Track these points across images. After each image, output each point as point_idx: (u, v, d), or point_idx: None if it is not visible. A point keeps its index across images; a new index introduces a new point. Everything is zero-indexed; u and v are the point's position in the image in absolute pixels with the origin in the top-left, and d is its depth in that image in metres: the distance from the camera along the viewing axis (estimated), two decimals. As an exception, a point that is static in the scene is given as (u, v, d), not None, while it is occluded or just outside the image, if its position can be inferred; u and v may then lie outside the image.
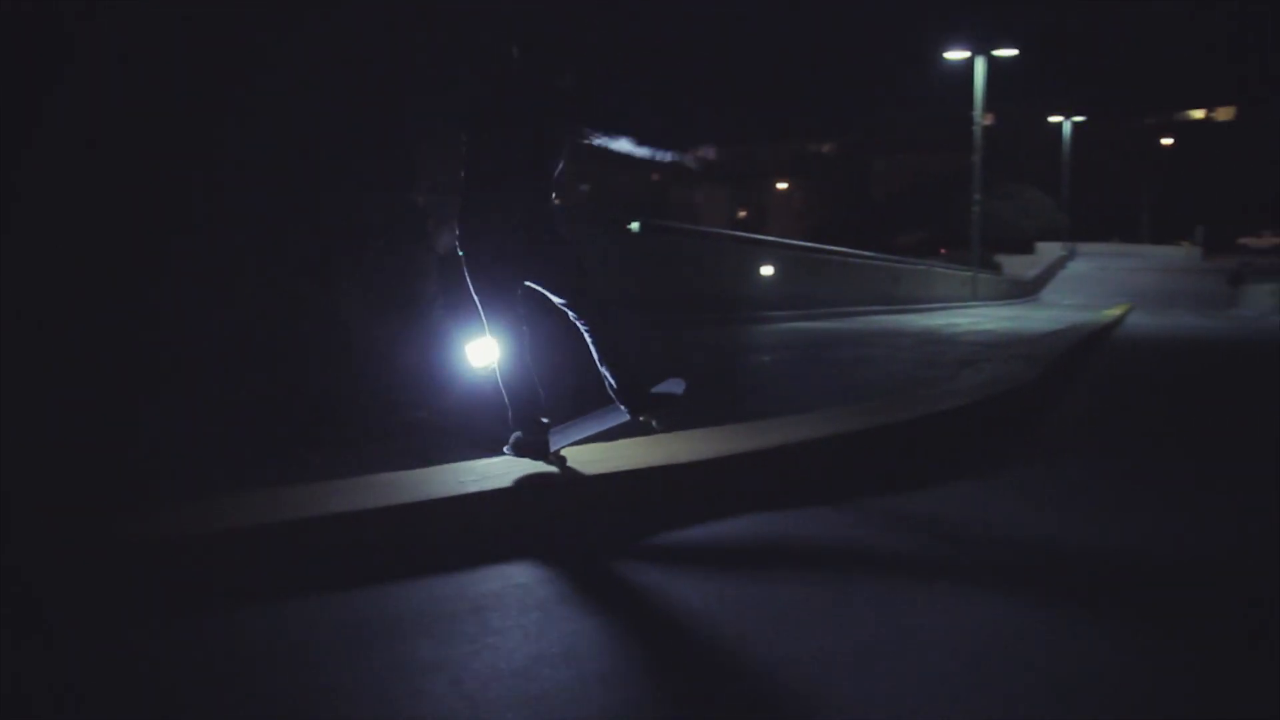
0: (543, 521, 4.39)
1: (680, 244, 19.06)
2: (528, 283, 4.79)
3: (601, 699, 2.76)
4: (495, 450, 4.87)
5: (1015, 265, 62.17)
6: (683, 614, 3.45)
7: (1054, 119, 79.02)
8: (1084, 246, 77.58)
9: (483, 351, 5.30)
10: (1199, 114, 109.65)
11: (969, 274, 39.43)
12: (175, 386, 5.80)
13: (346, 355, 6.29)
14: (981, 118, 41.55)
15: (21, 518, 3.88)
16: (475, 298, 4.78)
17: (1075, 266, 68.76)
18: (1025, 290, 50.70)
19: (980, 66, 40.20)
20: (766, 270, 20.05)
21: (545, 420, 4.79)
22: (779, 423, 5.70)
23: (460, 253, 4.74)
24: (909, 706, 2.70)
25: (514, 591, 3.58)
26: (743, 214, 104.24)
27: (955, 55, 41.77)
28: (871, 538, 4.45)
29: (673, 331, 13.55)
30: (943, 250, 61.84)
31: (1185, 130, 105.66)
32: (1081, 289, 53.46)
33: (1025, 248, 72.33)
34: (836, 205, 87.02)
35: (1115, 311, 25.91)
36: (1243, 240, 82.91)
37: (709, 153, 4.94)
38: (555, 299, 4.87)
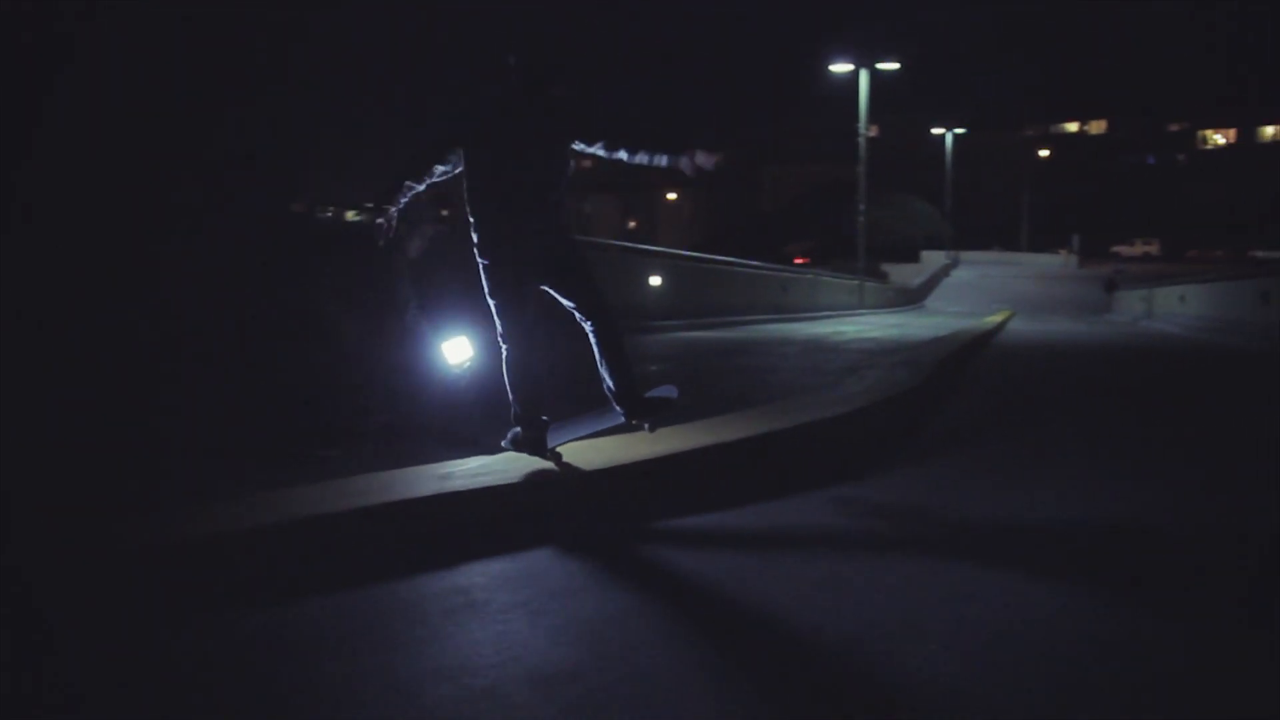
0: (546, 512, 4.61)
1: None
2: (542, 287, 5.08)
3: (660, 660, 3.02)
4: (469, 449, 5.19)
5: (901, 273, 63.43)
6: (719, 589, 3.72)
7: (937, 131, 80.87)
8: (967, 255, 79.53)
9: (458, 350, 6.01)
10: (1073, 127, 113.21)
11: (856, 282, 40.05)
12: (168, 387, 5.89)
13: (333, 359, 6.44)
14: (866, 129, 42.34)
15: (20, 518, 3.86)
16: (492, 302, 5.02)
17: (959, 274, 70.38)
18: (911, 298, 51.67)
19: (864, 79, 40.97)
20: (655, 280, 20.07)
21: (545, 418, 5.07)
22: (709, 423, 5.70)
23: (482, 261, 4.95)
24: (972, 670, 2.94)
25: (535, 573, 3.85)
26: (633, 224, 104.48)
27: (840, 68, 42.52)
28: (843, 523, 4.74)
29: (561, 342, 13.49)
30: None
31: (1061, 142, 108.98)
32: (965, 296, 54.72)
33: (911, 256, 73.88)
34: (726, 215, 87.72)
35: (996, 318, 26.51)
36: (1116, 248, 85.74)
37: (707, 161, 4.98)
38: (565, 302, 5.16)
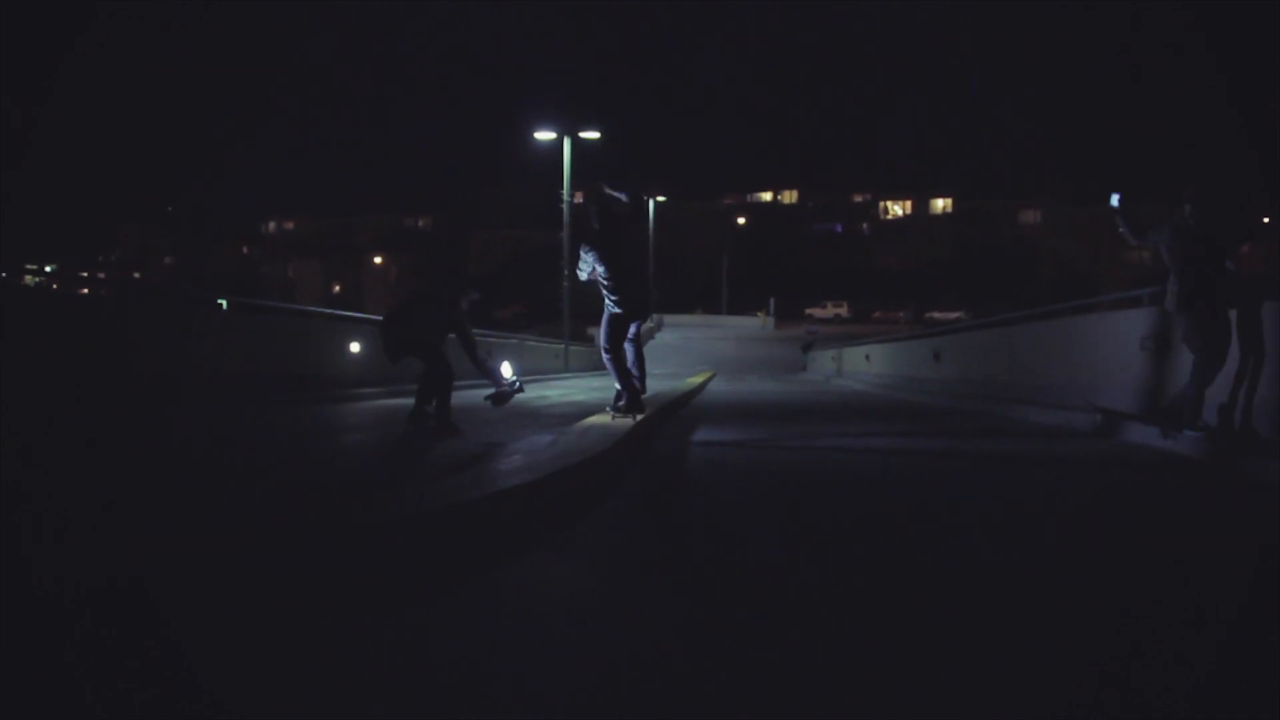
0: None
1: (272, 322, 18.42)
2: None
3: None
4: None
5: (608, 337, 64.40)
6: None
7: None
8: (671, 318, 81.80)
9: (508, 369, 10.34)
10: (768, 196, 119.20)
11: (561, 346, 40.47)
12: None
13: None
14: (571, 195, 43.08)
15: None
16: (609, 328, 9.96)
17: (663, 337, 72.24)
18: (618, 361, 52.37)
19: (568, 147, 41.77)
20: (355, 347, 19.65)
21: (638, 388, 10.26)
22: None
23: (613, 311, 9.90)
24: None
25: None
26: (337, 289, 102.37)
27: (544, 136, 43.18)
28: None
29: (262, 413, 12.98)
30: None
31: (757, 210, 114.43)
32: (669, 358, 56.14)
33: (617, 320, 75.10)
34: (433, 279, 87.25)
35: (697, 379, 27.31)
36: (810, 310, 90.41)
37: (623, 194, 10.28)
38: (632, 329, 10.18)
